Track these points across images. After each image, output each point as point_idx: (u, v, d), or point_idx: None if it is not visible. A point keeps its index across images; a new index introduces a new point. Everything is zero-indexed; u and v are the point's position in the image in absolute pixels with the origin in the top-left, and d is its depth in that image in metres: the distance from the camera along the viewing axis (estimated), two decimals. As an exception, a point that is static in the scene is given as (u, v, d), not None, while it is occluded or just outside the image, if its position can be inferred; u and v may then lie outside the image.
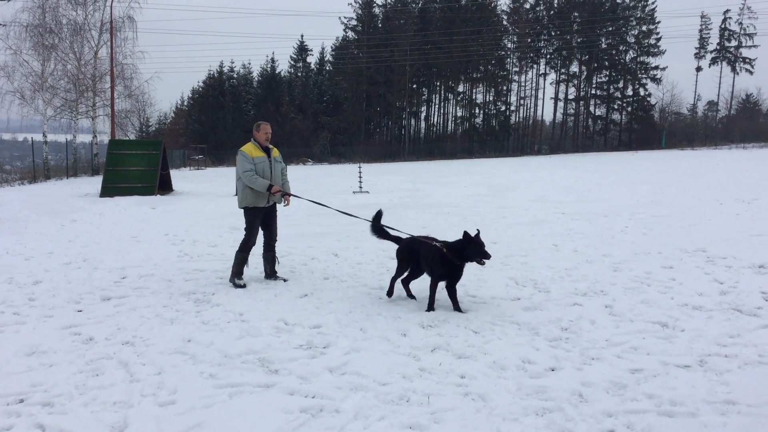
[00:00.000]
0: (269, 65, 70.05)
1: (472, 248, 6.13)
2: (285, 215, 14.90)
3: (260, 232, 7.78)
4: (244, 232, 7.64)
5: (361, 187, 22.13)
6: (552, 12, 73.20)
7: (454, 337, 5.37)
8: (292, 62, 73.34)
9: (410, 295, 6.82)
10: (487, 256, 6.15)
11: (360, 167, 26.27)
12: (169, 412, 3.98)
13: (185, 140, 63.54)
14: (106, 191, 20.66)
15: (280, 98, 65.96)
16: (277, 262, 7.92)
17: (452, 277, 6.32)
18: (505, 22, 72.69)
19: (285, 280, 7.75)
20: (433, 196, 19.69)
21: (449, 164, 47.95)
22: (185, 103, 75.32)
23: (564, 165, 39.13)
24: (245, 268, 7.66)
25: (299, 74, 72.93)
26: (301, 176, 32.70)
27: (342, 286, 7.43)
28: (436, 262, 6.28)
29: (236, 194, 7.88)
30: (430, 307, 6.27)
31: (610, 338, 5.29)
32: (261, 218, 7.63)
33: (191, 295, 7.06)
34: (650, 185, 21.28)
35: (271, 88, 67.84)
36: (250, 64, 73.63)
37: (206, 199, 19.81)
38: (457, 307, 6.26)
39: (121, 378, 4.56)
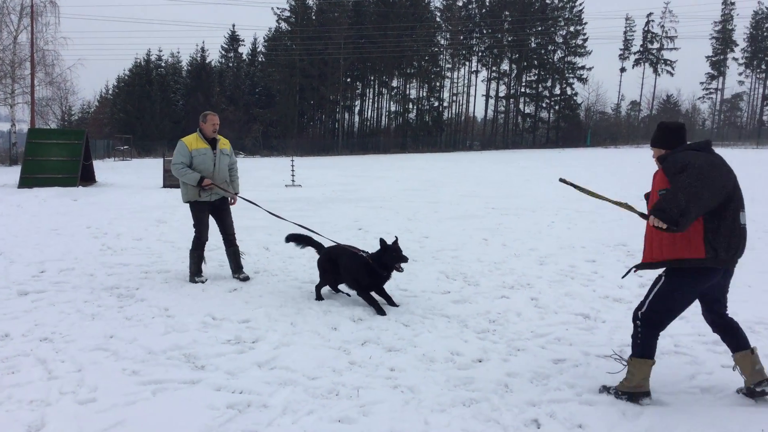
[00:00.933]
0: (199, 54, 68.57)
1: (389, 255, 6.08)
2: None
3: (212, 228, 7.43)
4: (194, 229, 7.31)
5: (293, 181, 21.94)
6: (484, 10, 74.49)
7: (385, 331, 5.39)
8: (223, 52, 71.94)
9: (343, 292, 6.76)
10: (404, 260, 6.09)
11: (293, 160, 26.04)
12: (89, 410, 3.83)
13: (110, 130, 61.40)
14: (25, 182, 19.72)
15: (211, 89, 64.61)
16: (241, 257, 7.61)
17: (380, 284, 6.25)
18: (438, 19, 73.52)
19: (248, 278, 7.39)
20: (366, 190, 19.73)
21: (383, 159, 48.14)
22: (110, 92, 72.77)
23: (495, 161, 39.93)
24: (203, 266, 7.36)
25: (230, 65, 71.59)
26: (232, 169, 32.10)
27: (272, 280, 7.33)
28: (361, 273, 6.17)
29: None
30: (381, 311, 5.92)
31: (535, 330, 5.43)
32: (208, 213, 7.29)
33: (114, 290, 6.81)
34: (576, 181, 21.94)
35: (201, 78, 66.33)
36: (179, 52, 72.01)
37: (131, 191, 19.20)
38: (391, 302, 6.24)
39: (38, 375, 4.36)
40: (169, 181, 20.64)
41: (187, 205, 7.33)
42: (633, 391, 3.95)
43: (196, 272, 7.24)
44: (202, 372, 4.45)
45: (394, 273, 6.27)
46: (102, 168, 29.96)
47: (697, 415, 3.77)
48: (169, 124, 62.48)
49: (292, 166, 24.00)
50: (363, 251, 6.39)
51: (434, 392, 4.11)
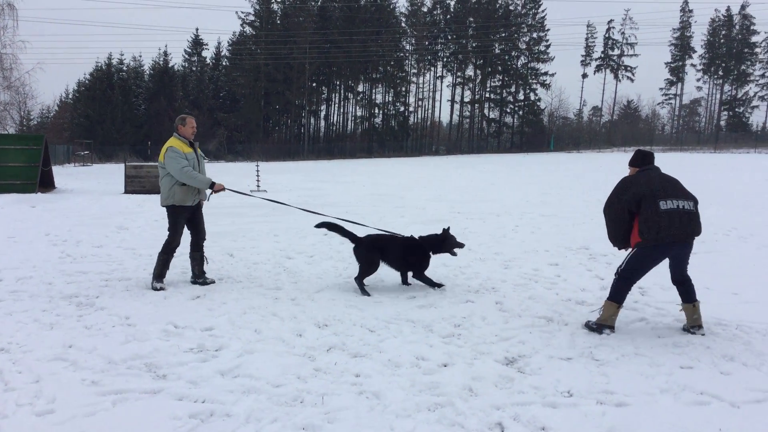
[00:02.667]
0: (162, 59, 67.66)
1: (449, 242, 7.14)
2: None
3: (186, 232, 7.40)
4: (168, 233, 7.19)
5: (258, 186, 21.76)
6: (448, 16, 75.04)
7: (350, 336, 5.37)
8: (187, 56, 71.14)
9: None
10: (461, 246, 7.25)
11: (258, 165, 25.85)
12: (48, 422, 3.74)
13: (70, 135, 60.08)
14: (-20, 188, 19.20)
15: (174, 93, 63.78)
16: (205, 262, 7.52)
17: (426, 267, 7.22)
18: (403, 24, 73.85)
19: (213, 282, 7.40)
20: (333, 195, 19.67)
21: (349, 163, 48.10)
22: (71, 96, 71.29)
23: (460, 165, 40.21)
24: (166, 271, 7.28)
25: (194, 69, 70.82)
26: (196, 174, 31.73)
27: (237, 287, 7.25)
28: (421, 257, 7.09)
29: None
30: (439, 284, 7.15)
31: (499, 333, 5.47)
32: (186, 217, 7.26)
33: (73, 298, 6.66)
34: (539, 186, 22.26)
35: (164, 82, 65.43)
36: (141, 56, 70.59)
37: (92, 197, 18.82)
38: (435, 283, 7.13)
39: (-7, 387, 4.24)
40: (131, 187, 20.32)
41: (163, 208, 7.23)
42: (601, 323, 5.50)
43: (159, 276, 7.14)
44: (164, 381, 4.37)
45: None
46: (62, 174, 29.32)
47: (658, 415, 3.84)
48: (131, 129, 61.44)
49: (258, 171, 23.82)
50: (411, 236, 7.32)
51: (399, 398, 4.10)
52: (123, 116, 61.56)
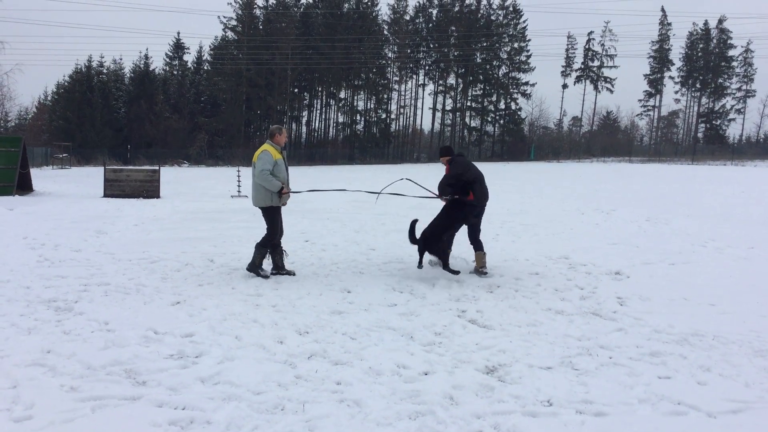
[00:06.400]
0: (142, 62, 67.01)
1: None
2: (158, 219, 14.30)
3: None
4: (268, 229, 8.12)
5: (239, 191, 21.67)
6: (431, 25, 75.41)
7: (331, 344, 5.38)
8: (168, 60, 70.59)
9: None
10: None
11: (239, 171, 25.69)
12: (25, 428, 3.70)
13: (49, 137, 59.25)
14: (-44, 190, 18.90)
15: (154, 96, 63.15)
16: (285, 255, 8.50)
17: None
18: (386, 32, 74.03)
19: (293, 273, 8.30)
20: (313, 201, 19.61)
21: (330, 170, 48.05)
22: (49, 98, 70.37)
23: (441, 173, 40.25)
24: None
25: (175, 72, 70.34)
26: (175, 178, 31.54)
27: (217, 293, 7.20)
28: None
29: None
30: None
31: (480, 342, 5.50)
32: (280, 215, 8.27)
33: (52, 303, 6.58)
34: (520, 195, 22.41)
35: (145, 85, 64.81)
36: (121, 59, 69.99)
37: (71, 200, 18.61)
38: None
39: (-32, 393, 4.18)
40: (110, 191, 20.13)
41: (264, 208, 8.09)
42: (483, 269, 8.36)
43: (260, 265, 8.11)
44: (144, 388, 4.34)
45: (343, 285, 6.29)
46: (40, 176, 28.92)
47: (636, 425, 3.89)
48: (111, 132, 60.79)
49: (239, 176, 23.69)
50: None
51: (380, 406, 4.12)
52: (102, 119, 60.88)
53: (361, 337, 5.58)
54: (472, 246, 8.58)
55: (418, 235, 8.47)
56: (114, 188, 20.27)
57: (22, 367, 4.66)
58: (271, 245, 8.22)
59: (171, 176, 32.34)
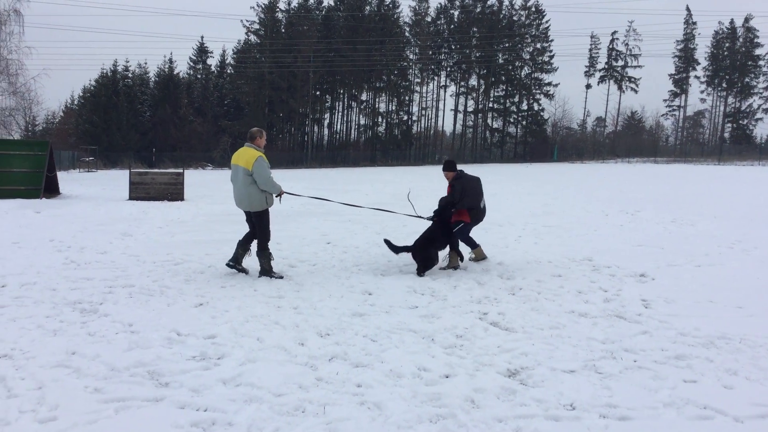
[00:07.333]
0: (167, 66, 67.80)
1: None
2: (182, 221, 14.44)
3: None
4: (262, 233, 8.29)
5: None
6: (452, 26, 75.24)
7: (352, 346, 5.38)
8: (192, 64, 71.41)
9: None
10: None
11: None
12: (50, 429, 3.75)
13: (75, 141, 60.24)
14: (-15, 194, 19.25)
15: (179, 100, 63.94)
16: (248, 255, 8.60)
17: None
18: (407, 34, 74.02)
19: (246, 272, 8.46)
20: (336, 204, 19.64)
21: (352, 172, 48.17)
22: (76, 103, 71.51)
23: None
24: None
25: (199, 76, 71.08)
26: (199, 181, 31.83)
27: (240, 295, 7.25)
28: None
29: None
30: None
31: (501, 345, 5.46)
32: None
33: (77, 304, 6.68)
34: (542, 196, 22.26)
35: (169, 89, 65.60)
36: (146, 63, 71.24)
37: (97, 203, 18.87)
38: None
39: (-4, 394, 4.25)
40: (135, 194, 20.36)
41: (259, 212, 8.26)
42: (478, 259, 9.34)
43: (271, 268, 8.28)
44: (166, 389, 4.38)
45: (364, 287, 6.29)
46: (67, 179, 29.38)
47: (661, 429, 3.84)
48: (136, 136, 61.62)
49: (261, 178, 23.83)
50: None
51: (401, 408, 4.10)
52: (128, 123, 61.73)
53: (381, 340, 5.58)
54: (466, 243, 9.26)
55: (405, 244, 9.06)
56: (139, 191, 20.50)
57: (48, 368, 4.73)
58: (248, 240, 8.48)
59: (195, 179, 32.65)
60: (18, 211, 15.94)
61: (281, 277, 8.20)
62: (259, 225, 8.31)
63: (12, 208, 16.37)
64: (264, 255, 8.27)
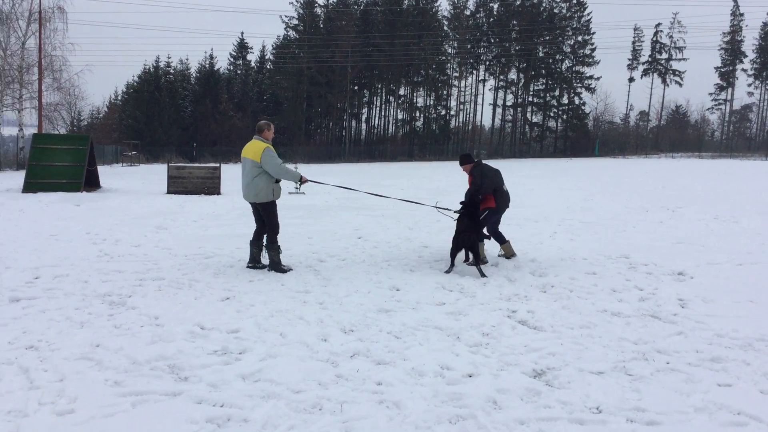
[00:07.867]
0: (208, 62, 68.56)
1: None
2: (217, 215, 14.57)
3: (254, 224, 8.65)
4: (271, 225, 8.29)
5: (297, 188, 21.86)
6: (491, 20, 74.50)
7: (375, 343, 5.29)
8: (232, 59, 72.12)
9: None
10: None
11: (296, 167, 25.98)
12: (67, 421, 3.75)
13: (119, 136, 61.49)
14: (29, 187, 19.73)
15: (219, 96, 64.68)
16: (280, 251, 8.55)
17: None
18: (445, 28, 73.56)
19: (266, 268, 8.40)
20: (369, 198, 19.60)
21: (389, 166, 48.10)
22: (119, 98, 72.97)
23: (501, 170, 39.67)
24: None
25: (239, 72, 71.77)
26: (237, 176, 32.04)
27: (266, 289, 7.23)
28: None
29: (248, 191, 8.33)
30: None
31: (529, 344, 5.31)
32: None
33: (106, 297, 6.74)
34: (581, 192, 21.83)
35: (210, 84, 66.40)
36: (187, 59, 71.77)
37: (135, 196, 19.18)
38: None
39: (19, 385, 4.28)
40: (173, 188, 20.64)
41: (265, 204, 8.24)
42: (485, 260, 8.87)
43: (280, 261, 8.30)
44: (185, 384, 4.36)
45: (391, 282, 6.18)
46: (108, 173, 29.97)
47: (690, 435, 3.66)
48: (178, 131, 62.55)
49: (297, 173, 23.94)
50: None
51: (420, 408, 4.00)
52: (170, 118, 62.69)
53: (406, 337, 5.48)
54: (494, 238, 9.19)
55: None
56: (177, 185, 20.78)
57: (71, 360, 4.76)
58: (259, 237, 8.46)
59: (233, 173, 32.94)
60: (59, 204, 16.30)
61: (291, 269, 8.27)
62: (267, 217, 8.30)
63: (53, 201, 16.76)
64: (273, 248, 8.27)
